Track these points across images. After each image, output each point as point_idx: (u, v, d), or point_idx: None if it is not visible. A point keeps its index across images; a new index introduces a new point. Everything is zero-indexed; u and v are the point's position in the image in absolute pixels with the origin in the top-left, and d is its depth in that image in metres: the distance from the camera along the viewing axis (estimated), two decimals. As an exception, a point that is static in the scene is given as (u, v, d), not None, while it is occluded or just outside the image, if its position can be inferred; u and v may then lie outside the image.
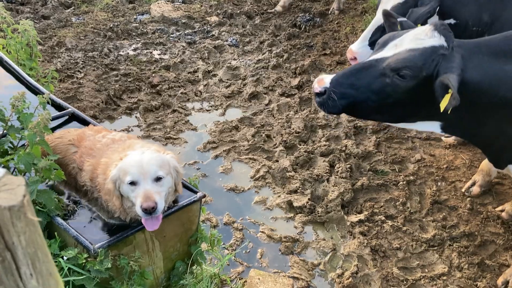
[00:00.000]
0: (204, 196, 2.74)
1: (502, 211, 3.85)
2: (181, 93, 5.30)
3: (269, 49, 6.12)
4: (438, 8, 3.37)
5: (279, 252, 3.59)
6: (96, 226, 2.61)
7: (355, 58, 3.75)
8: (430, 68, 2.50)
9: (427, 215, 3.90)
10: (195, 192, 2.71)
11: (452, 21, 3.44)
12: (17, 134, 2.56)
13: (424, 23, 3.22)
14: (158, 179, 2.37)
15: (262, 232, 3.74)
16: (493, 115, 2.68)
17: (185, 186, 2.75)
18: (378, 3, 3.79)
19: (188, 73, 5.67)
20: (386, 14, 3.05)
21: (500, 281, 3.36)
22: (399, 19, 2.93)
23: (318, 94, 2.71)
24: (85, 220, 2.68)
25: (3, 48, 4.41)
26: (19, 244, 0.89)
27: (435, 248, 3.64)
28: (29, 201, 0.87)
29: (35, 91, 3.52)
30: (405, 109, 2.72)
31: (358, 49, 3.71)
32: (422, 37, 2.57)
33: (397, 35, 2.69)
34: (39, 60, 5.11)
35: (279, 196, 4.06)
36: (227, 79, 5.59)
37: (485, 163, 3.92)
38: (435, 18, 3.37)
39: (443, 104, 2.41)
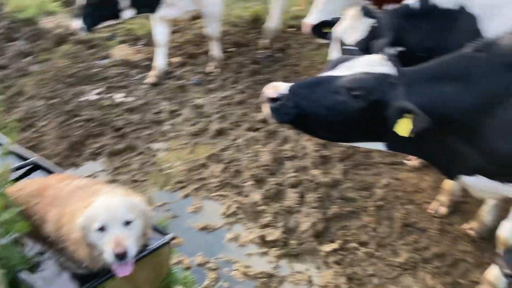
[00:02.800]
0: (174, 238, 2.70)
1: (469, 228, 3.95)
2: (147, 134, 5.27)
3: (233, 86, 6.20)
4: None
5: (255, 289, 3.54)
6: (64, 277, 2.51)
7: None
8: (379, 93, 2.65)
9: (398, 238, 3.95)
10: (165, 234, 2.67)
11: (400, 48, 3.60)
12: (-24, 188, 2.47)
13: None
14: (127, 223, 2.33)
15: (236, 270, 3.68)
16: (437, 133, 2.81)
17: (154, 229, 2.70)
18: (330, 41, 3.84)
19: (153, 114, 5.65)
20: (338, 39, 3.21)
21: (474, 299, 3.41)
22: (349, 47, 3.08)
23: (271, 100, 2.72)
24: (52, 272, 2.58)
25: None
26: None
27: (409, 271, 3.67)
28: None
29: (-6, 143, 3.44)
30: (352, 130, 2.83)
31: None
32: (375, 64, 2.70)
33: (348, 59, 2.81)
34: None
35: (251, 231, 4.03)
36: (193, 118, 5.60)
37: (448, 182, 4.04)
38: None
39: (401, 129, 2.52)
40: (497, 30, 3.05)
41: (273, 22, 6.88)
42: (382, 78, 2.66)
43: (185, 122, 5.52)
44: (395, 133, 2.61)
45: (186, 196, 4.45)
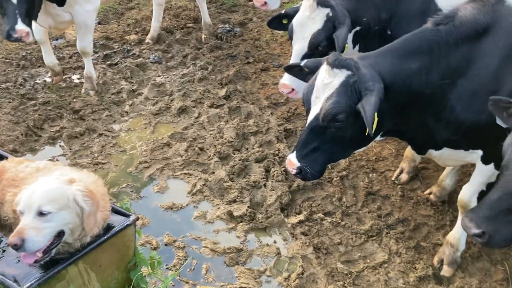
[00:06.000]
0: (138, 219, 2.65)
1: (430, 193, 4.06)
2: (106, 115, 5.12)
3: (193, 62, 6.08)
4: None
5: (224, 265, 3.55)
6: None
7: (292, 90, 3.74)
8: (354, 98, 2.70)
9: (363, 207, 4.03)
10: (127, 216, 2.61)
11: (357, 28, 3.60)
12: None
13: None
14: (42, 214, 2.22)
15: (205, 247, 3.68)
16: (413, 109, 2.92)
17: (116, 212, 2.64)
18: (290, 32, 3.71)
19: (112, 94, 5.49)
20: (287, 68, 3.27)
21: (435, 260, 3.54)
22: (302, 63, 3.08)
23: (296, 174, 2.96)
24: (15, 256, 2.49)
25: None
26: None
27: (374, 237, 3.76)
28: None
29: None
30: (361, 136, 2.90)
31: (289, 82, 3.67)
32: (329, 80, 2.74)
33: (311, 86, 2.86)
34: None
35: (218, 208, 4.03)
36: (153, 96, 5.48)
37: (409, 150, 4.13)
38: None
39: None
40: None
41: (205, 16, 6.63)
42: (344, 88, 2.70)
43: (146, 101, 5.39)
44: None
45: (150, 176, 4.38)
